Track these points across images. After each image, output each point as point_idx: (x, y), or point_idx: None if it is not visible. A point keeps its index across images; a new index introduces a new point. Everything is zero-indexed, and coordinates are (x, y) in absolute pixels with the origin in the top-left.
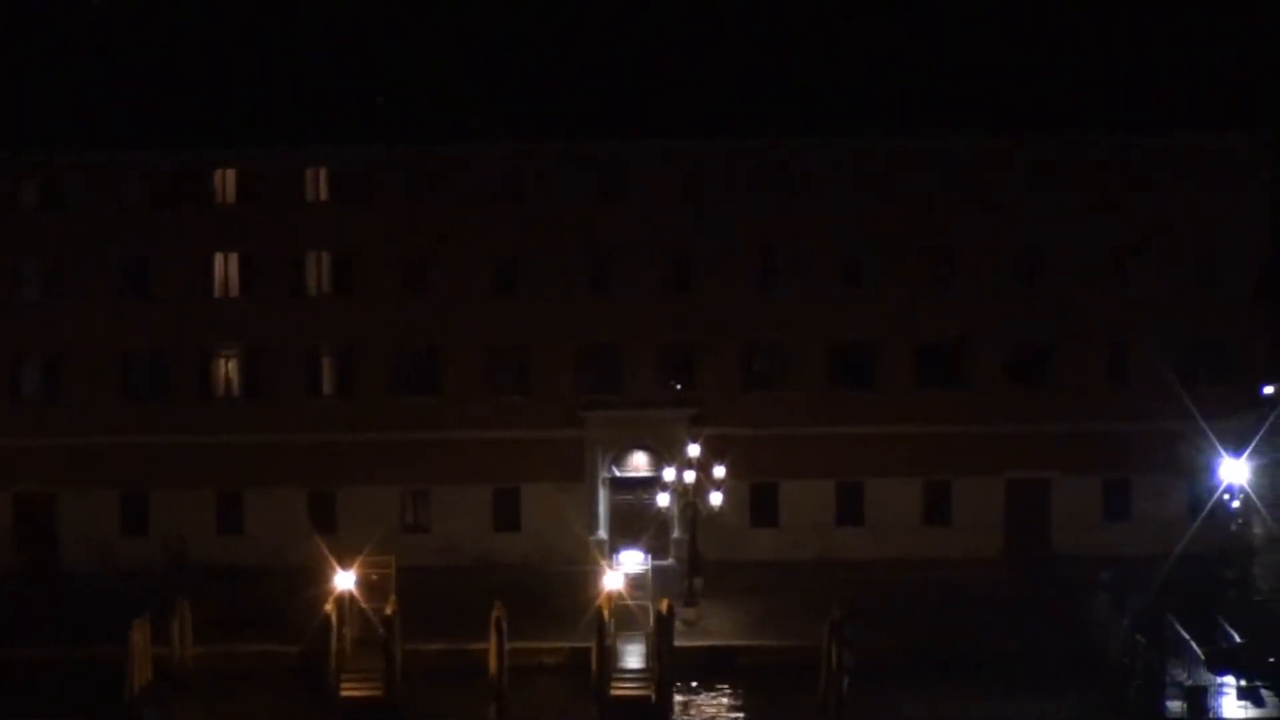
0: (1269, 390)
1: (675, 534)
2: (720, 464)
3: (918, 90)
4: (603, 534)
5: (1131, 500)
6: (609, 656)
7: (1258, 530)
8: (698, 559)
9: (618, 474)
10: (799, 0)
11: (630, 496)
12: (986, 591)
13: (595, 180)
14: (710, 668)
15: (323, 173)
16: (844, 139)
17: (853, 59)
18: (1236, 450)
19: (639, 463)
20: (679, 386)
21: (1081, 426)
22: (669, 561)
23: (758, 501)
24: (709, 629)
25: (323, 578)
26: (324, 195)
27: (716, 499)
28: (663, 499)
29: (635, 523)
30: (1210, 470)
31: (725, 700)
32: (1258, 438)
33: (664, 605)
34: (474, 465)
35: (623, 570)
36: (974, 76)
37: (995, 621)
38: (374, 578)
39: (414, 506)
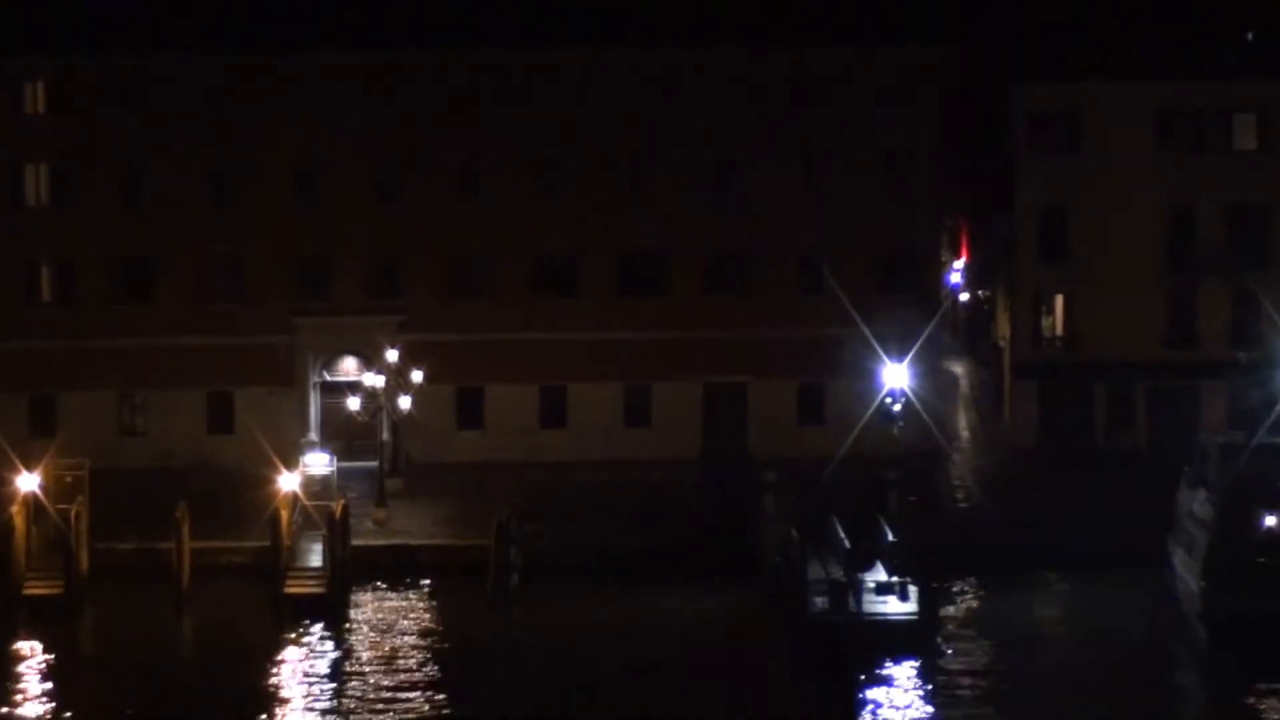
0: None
1: (384, 436)
2: (418, 369)
3: (598, 3)
4: (314, 436)
5: (824, 404)
6: (286, 555)
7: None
8: (395, 460)
9: (329, 379)
10: None
11: (341, 400)
12: (679, 492)
13: (300, 96)
14: (394, 566)
15: (40, 85)
16: (534, 52)
17: None
18: (899, 356)
19: (349, 367)
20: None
21: (777, 333)
22: (375, 463)
23: (464, 405)
24: (399, 528)
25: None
26: (41, 108)
27: (406, 402)
28: (353, 402)
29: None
30: (876, 375)
31: (404, 597)
32: (919, 343)
33: (339, 507)
34: (188, 370)
35: (307, 472)
36: None
37: (679, 521)
38: (68, 479)
39: (130, 410)
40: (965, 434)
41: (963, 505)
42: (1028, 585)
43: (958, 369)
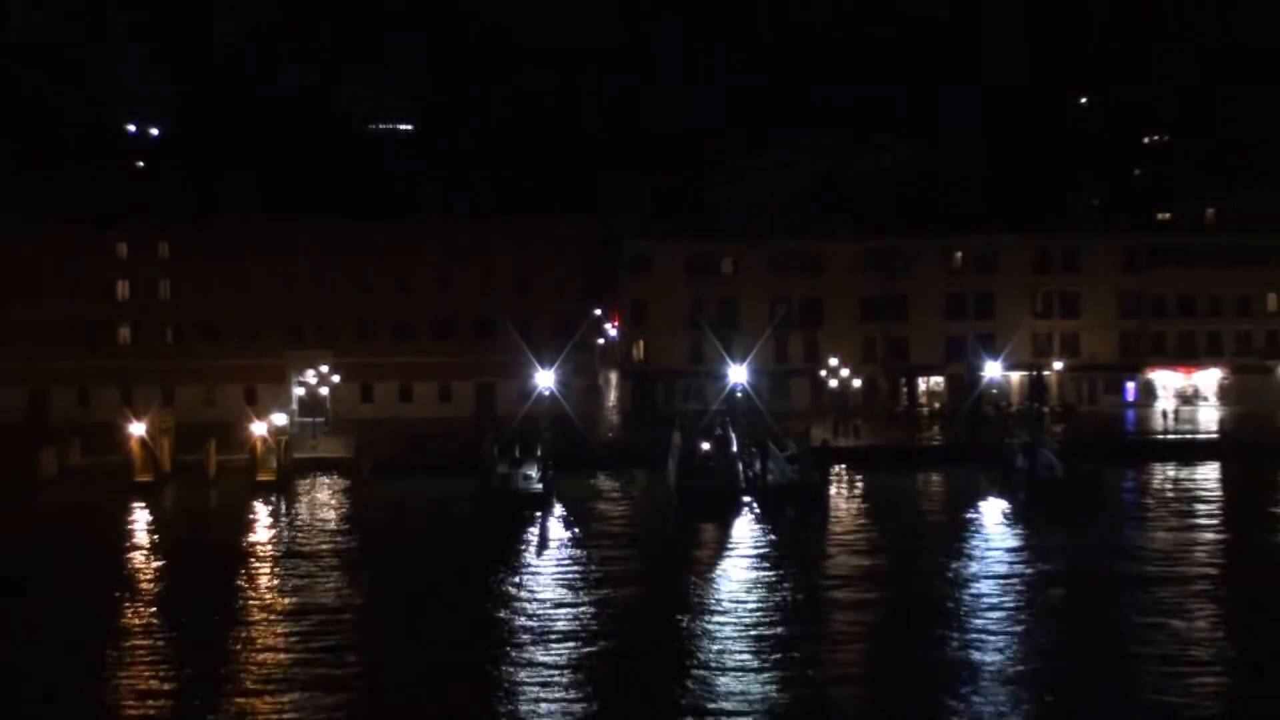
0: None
1: (328, 406)
2: (338, 374)
3: (435, 197)
4: (294, 407)
5: (531, 393)
6: (259, 462)
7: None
8: (328, 418)
9: (300, 380)
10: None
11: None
12: (462, 438)
13: (285, 244)
14: (317, 467)
15: (125, 244)
16: (393, 226)
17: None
18: (548, 365)
19: (310, 374)
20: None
21: (507, 359)
22: (313, 419)
23: (364, 392)
24: (324, 450)
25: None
26: (125, 254)
27: (325, 391)
28: (299, 390)
29: (308, 403)
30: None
31: (320, 482)
32: (562, 357)
33: (284, 440)
34: (236, 376)
35: (271, 424)
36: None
37: (455, 450)
38: (164, 426)
39: (210, 396)
40: (609, 407)
41: (592, 439)
42: (621, 475)
43: (612, 375)
